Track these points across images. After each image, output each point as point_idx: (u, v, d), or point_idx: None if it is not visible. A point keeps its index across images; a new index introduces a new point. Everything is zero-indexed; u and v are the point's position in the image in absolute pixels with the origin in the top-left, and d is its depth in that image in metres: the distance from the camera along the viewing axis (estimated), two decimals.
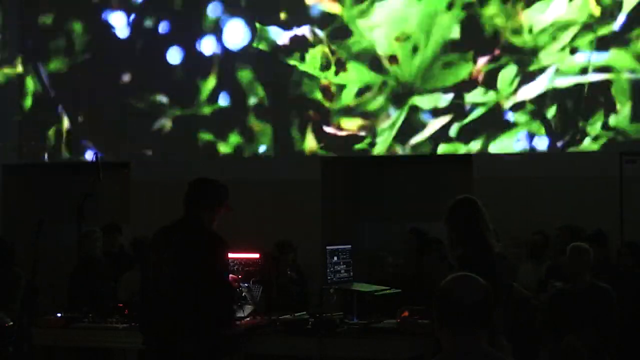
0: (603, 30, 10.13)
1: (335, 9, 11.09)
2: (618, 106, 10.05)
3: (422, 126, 10.69)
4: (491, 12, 10.49)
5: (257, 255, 7.21)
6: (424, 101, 10.70)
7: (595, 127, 10.08)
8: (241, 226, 7.74)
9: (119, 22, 12.02)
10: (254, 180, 11.05)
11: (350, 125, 11.01)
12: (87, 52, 12.12)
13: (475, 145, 10.51)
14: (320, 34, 11.13)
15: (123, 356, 8.40)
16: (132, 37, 11.95)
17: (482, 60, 10.50)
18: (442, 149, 10.62)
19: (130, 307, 7.24)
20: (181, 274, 5.92)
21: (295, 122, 11.24)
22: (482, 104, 10.49)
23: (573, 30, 10.20)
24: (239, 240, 6.39)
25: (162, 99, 11.78)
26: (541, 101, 10.28)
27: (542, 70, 10.29)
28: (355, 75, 10.99)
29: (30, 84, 12.35)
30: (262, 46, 11.33)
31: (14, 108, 12.36)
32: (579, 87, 10.16)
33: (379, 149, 10.88)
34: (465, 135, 10.55)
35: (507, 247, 8.45)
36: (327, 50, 11.08)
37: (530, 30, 10.35)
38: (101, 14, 12.07)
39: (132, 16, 11.97)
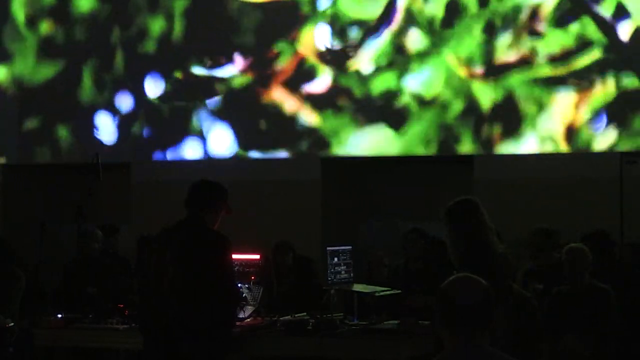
0: None
1: None
2: None
3: None
4: None
5: (257, 256, 7.21)
6: None
7: None
8: (241, 227, 7.72)
9: None
10: (254, 181, 11.04)
11: None
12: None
13: None
14: None
15: (123, 356, 8.39)
16: None
17: None
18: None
19: (131, 307, 7.24)
20: (182, 275, 5.93)
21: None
22: None
23: None
24: (239, 241, 6.40)
25: None
26: None
27: None
28: None
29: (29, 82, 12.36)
30: None
31: (14, 108, 12.36)
32: None
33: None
34: None
35: (507, 247, 8.38)
36: None
37: None
38: None
39: None
